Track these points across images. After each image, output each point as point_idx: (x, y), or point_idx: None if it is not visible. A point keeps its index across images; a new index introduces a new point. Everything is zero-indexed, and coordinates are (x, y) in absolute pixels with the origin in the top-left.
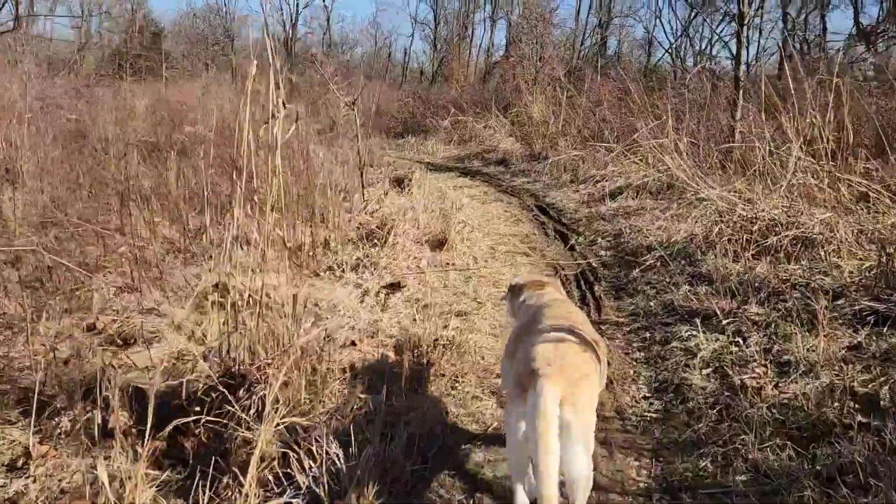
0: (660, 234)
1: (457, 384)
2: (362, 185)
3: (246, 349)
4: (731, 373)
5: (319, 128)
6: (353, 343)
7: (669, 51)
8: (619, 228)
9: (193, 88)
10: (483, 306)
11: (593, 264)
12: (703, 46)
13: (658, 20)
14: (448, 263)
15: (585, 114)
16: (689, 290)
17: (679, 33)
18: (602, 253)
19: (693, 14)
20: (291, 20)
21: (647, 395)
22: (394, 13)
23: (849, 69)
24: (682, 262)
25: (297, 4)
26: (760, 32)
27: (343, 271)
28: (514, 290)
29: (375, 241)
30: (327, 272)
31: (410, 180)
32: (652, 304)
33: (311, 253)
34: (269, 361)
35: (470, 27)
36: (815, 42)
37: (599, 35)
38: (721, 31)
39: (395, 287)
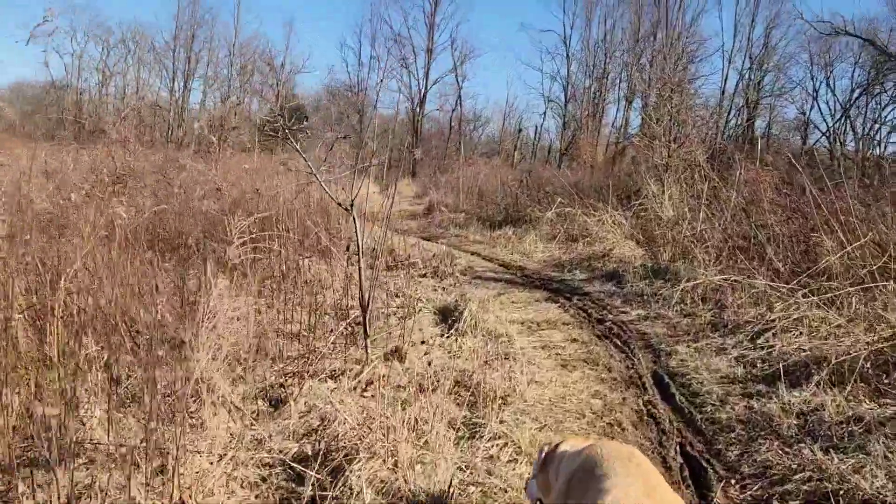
0: None
1: None
2: (366, 348)
3: None
4: None
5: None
6: None
7: (827, 134)
8: (817, 477)
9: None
10: None
11: None
12: (867, 129)
13: (814, 101)
14: None
15: (735, 214)
16: None
17: (839, 115)
18: None
19: (857, 94)
20: (420, 96)
21: None
22: (526, 91)
23: None
24: None
25: (426, 81)
26: None
27: None
28: (548, 459)
29: None
30: None
31: (461, 313)
32: None
33: None
34: None
35: (600, 105)
36: None
37: (746, 115)
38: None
39: None
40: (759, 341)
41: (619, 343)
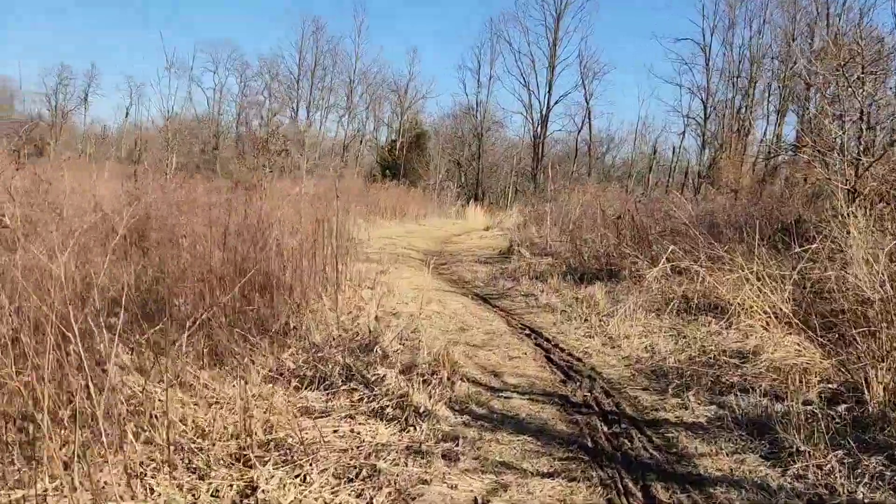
0: None
1: None
2: None
3: None
4: None
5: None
6: None
7: None
8: None
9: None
10: None
11: None
12: None
13: None
14: None
15: None
16: None
17: None
18: None
19: None
20: (541, 116)
21: None
22: (662, 108)
23: None
24: None
25: (549, 99)
26: None
27: None
28: None
29: None
30: None
31: None
32: None
33: None
34: None
35: (747, 119)
36: None
37: None
38: None
39: None
40: None
41: None
